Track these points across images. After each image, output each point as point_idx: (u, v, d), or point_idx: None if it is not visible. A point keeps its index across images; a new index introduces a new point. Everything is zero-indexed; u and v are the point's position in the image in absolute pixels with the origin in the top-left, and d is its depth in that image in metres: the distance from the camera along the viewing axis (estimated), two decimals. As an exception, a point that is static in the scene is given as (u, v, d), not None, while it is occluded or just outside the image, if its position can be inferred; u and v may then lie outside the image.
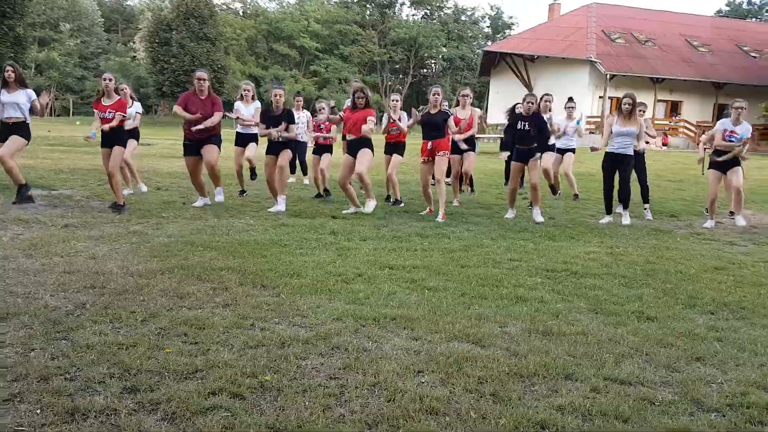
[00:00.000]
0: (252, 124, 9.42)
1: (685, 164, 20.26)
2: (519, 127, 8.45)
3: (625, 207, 8.77)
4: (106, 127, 7.85)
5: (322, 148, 9.97)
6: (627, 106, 8.36)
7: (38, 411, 2.76)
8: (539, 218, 8.50)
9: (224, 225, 7.37)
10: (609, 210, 8.94)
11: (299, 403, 2.90)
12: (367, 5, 66.90)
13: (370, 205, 8.60)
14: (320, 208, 8.99)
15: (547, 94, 9.88)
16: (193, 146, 8.38)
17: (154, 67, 44.95)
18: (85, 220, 7.33)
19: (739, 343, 3.95)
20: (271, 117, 8.36)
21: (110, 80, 7.96)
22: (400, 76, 66.34)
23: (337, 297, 4.58)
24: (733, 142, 8.22)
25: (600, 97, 35.28)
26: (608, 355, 3.63)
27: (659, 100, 36.61)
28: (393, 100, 9.10)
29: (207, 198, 8.82)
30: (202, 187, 8.75)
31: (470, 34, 68.18)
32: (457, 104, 9.56)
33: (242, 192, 10.13)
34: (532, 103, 8.43)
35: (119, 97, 8.09)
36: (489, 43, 64.58)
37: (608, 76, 34.46)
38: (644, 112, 9.78)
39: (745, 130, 8.28)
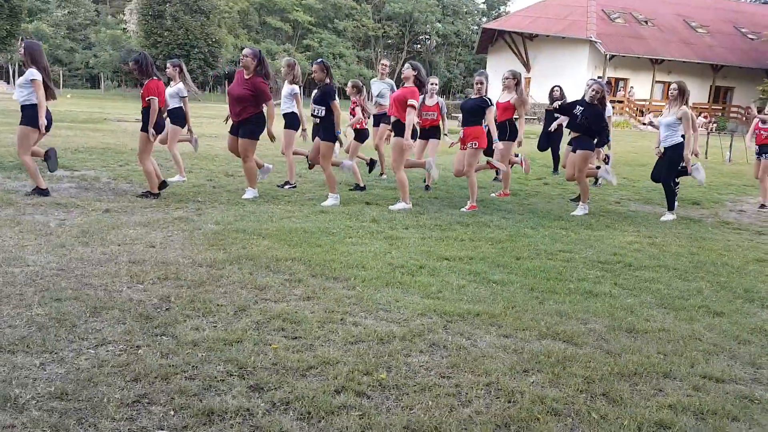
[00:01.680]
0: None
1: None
2: (576, 112, 8.20)
3: (670, 208, 8.38)
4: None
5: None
6: (674, 92, 8.06)
7: (172, 413, 2.79)
8: (579, 212, 8.26)
9: (264, 211, 7.37)
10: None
11: (424, 403, 2.97)
12: (362, -23, 66.19)
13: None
14: (351, 194, 8.99)
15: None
16: (235, 127, 8.14)
17: (147, 40, 44.22)
18: (123, 205, 7.31)
19: (812, 340, 4.07)
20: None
21: (129, 67, 7.73)
22: (394, 51, 65.81)
23: (411, 290, 4.64)
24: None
25: (599, 77, 35.28)
26: (695, 353, 3.74)
27: (657, 81, 36.76)
28: (432, 84, 8.84)
29: (255, 191, 8.37)
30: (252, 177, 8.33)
31: (465, 10, 67.66)
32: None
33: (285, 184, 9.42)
34: (597, 91, 8.06)
35: (148, 80, 7.77)
36: (484, 19, 64.14)
37: (608, 56, 34.48)
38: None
39: None
